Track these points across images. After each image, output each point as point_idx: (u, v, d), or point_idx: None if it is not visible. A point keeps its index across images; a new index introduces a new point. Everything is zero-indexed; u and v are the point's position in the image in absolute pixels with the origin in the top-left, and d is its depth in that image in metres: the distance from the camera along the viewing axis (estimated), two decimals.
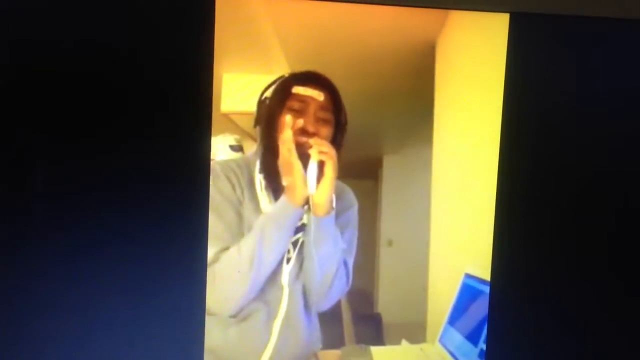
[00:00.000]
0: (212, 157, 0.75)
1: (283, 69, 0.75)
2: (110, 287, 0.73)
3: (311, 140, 0.74)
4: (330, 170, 0.76)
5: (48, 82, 0.70)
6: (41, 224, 0.71)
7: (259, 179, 0.76)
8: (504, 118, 0.79)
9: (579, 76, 0.81)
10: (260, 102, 0.75)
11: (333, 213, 0.77)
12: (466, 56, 0.79)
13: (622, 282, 0.84)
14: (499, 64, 0.79)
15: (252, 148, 0.77)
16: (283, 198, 0.76)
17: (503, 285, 0.81)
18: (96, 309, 0.73)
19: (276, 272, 0.77)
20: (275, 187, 0.76)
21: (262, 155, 0.76)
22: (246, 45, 0.74)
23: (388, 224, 0.80)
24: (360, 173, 0.79)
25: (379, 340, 0.80)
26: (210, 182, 0.74)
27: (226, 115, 0.75)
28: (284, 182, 0.76)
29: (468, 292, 0.81)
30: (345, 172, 0.78)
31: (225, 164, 0.76)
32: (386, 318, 0.80)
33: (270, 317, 0.78)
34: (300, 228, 0.77)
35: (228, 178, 0.75)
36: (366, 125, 0.78)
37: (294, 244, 0.78)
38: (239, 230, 0.76)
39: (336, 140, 0.75)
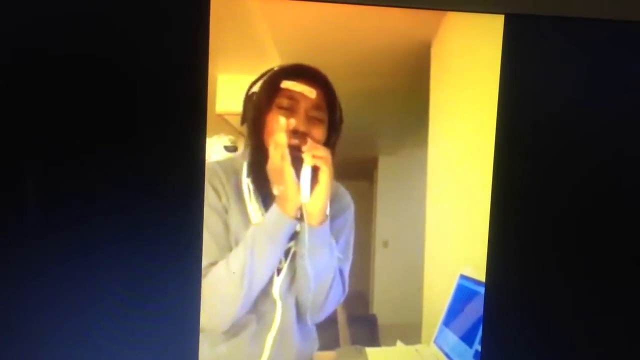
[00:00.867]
0: (207, 157, 0.75)
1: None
2: (103, 289, 0.73)
3: (304, 146, 0.68)
4: (325, 177, 0.70)
5: (43, 83, 0.70)
6: (36, 225, 0.71)
7: (247, 183, 0.70)
8: (499, 119, 0.79)
9: (573, 77, 0.81)
10: (248, 98, 0.69)
11: (327, 222, 0.71)
12: (461, 57, 0.79)
13: (619, 283, 0.84)
14: (494, 65, 0.79)
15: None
16: (275, 208, 0.70)
17: (498, 287, 0.81)
18: (88, 313, 0.73)
19: (267, 283, 0.73)
20: (265, 194, 0.70)
21: (250, 156, 0.71)
22: (241, 46, 0.74)
23: (383, 225, 0.80)
24: (356, 174, 0.79)
25: (374, 342, 0.80)
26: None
27: (221, 116, 0.75)
28: (275, 190, 0.69)
29: (463, 293, 0.81)
30: (341, 173, 0.77)
31: (209, 168, 0.71)
32: (381, 319, 0.80)
33: (263, 331, 0.74)
34: (292, 237, 0.73)
35: (212, 185, 0.70)
36: (361, 126, 0.78)
37: (286, 253, 0.73)
38: (227, 243, 0.72)
39: (330, 142, 0.70)
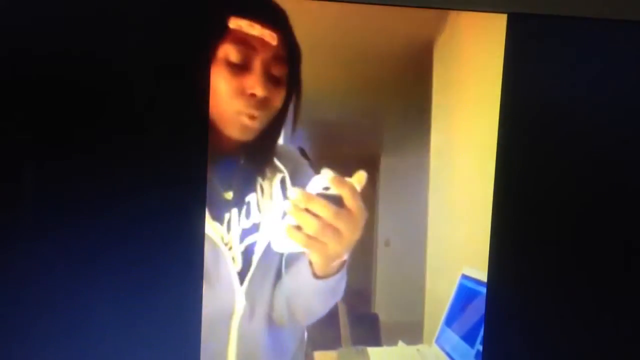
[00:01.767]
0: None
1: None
2: (104, 290, 0.73)
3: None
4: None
5: (44, 83, 0.69)
6: (37, 226, 0.71)
7: None
8: (501, 118, 0.79)
9: (576, 77, 0.81)
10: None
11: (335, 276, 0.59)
12: (464, 56, 0.79)
13: (620, 282, 0.84)
14: (496, 65, 0.79)
15: None
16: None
17: (500, 287, 0.81)
18: (90, 314, 0.73)
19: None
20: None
21: None
22: None
23: (385, 225, 0.80)
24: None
25: (376, 341, 0.80)
26: None
27: None
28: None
29: (465, 293, 0.81)
30: (343, 173, 0.77)
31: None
32: (383, 319, 0.80)
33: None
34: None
35: None
36: (363, 125, 0.78)
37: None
38: None
39: (289, 103, 0.50)
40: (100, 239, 0.72)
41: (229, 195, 0.54)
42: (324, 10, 0.75)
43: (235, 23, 0.44)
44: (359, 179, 0.59)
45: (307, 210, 0.55)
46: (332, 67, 0.75)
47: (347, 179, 0.62)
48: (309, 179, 0.63)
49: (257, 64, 0.47)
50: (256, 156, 0.53)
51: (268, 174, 0.54)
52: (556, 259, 0.83)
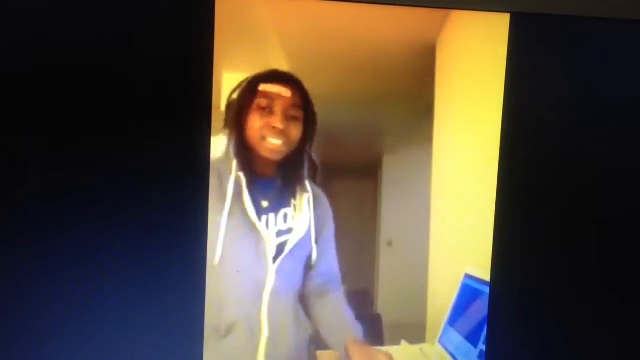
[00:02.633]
0: (212, 156, 0.75)
1: (283, 68, 0.75)
2: (107, 290, 0.73)
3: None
4: None
5: (45, 82, 0.70)
6: (38, 225, 0.71)
7: (235, 178, 0.74)
8: (504, 118, 0.79)
9: (579, 76, 0.81)
10: (228, 105, 0.74)
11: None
12: (466, 56, 0.79)
13: (623, 283, 0.84)
14: (499, 64, 0.79)
15: None
16: None
17: (503, 286, 0.81)
18: (92, 313, 0.73)
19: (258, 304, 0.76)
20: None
21: (236, 151, 0.74)
22: (246, 45, 0.74)
23: (388, 224, 0.80)
24: (360, 173, 0.79)
25: (379, 341, 0.80)
26: None
27: None
28: None
29: (468, 293, 0.81)
30: (345, 173, 0.77)
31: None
32: (386, 318, 0.80)
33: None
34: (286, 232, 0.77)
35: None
36: (366, 125, 0.78)
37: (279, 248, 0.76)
38: None
39: (307, 136, 0.74)
40: (103, 238, 0.72)
41: (265, 203, 0.75)
42: (324, 10, 0.75)
43: (262, 87, 0.73)
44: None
45: None
46: (334, 67, 0.76)
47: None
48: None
49: (277, 109, 0.73)
50: (287, 172, 0.76)
51: (298, 191, 0.76)
52: (560, 258, 0.83)
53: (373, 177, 0.79)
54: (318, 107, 0.76)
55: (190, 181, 0.74)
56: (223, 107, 0.74)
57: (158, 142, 0.72)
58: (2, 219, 0.70)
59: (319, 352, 0.79)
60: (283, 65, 0.75)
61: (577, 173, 0.82)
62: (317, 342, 0.79)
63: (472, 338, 0.82)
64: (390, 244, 0.80)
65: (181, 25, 0.72)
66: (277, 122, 0.72)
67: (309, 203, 0.76)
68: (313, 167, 0.76)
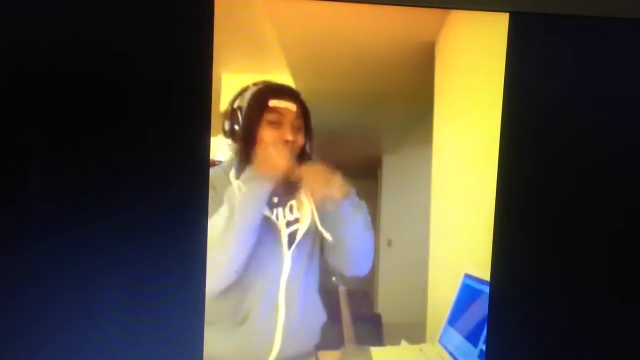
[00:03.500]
0: (211, 157, 0.75)
1: (282, 69, 0.75)
2: (107, 289, 0.73)
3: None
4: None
5: (46, 83, 0.70)
6: (38, 225, 0.71)
7: (237, 185, 0.78)
8: (503, 118, 0.79)
9: (578, 76, 0.81)
10: (232, 111, 0.77)
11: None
12: (466, 56, 0.79)
13: (622, 283, 0.84)
14: (498, 64, 0.79)
15: None
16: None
17: (503, 286, 0.81)
18: (94, 312, 0.73)
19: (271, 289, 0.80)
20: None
21: (242, 164, 0.78)
22: (245, 45, 0.74)
23: (387, 224, 0.80)
24: (360, 173, 0.79)
25: (379, 341, 0.80)
26: None
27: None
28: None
29: (468, 292, 0.81)
30: (345, 172, 0.77)
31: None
32: (386, 318, 0.80)
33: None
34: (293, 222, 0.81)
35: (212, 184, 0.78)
36: (366, 125, 0.78)
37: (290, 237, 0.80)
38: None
39: (307, 142, 0.79)
40: (104, 238, 0.72)
41: (275, 200, 0.80)
42: (324, 10, 0.75)
43: (272, 102, 0.78)
44: None
45: None
46: (334, 67, 0.76)
47: None
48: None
49: (286, 122, 0.78)
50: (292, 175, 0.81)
51: (298, 184, 0.81)
52: (559, 258, 0.83)
53: (373, 176, 0.79)
54: (317, 107, 0.76)
55: (190, 181, 0.74)
56: (222, 107, 0.74)
57: (158, 142, 0.73)
58: (3, 219, 0.70)
59: (320, 353, 0.79)
60: (282, 66, 0.75)
61: (577, 172, 0.82)
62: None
63: (472, 338, 0.81)
64: (390, 243, 0.80)
65: (181, 26, 0.72)
66: (288, 135, 0.78)
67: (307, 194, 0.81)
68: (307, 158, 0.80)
